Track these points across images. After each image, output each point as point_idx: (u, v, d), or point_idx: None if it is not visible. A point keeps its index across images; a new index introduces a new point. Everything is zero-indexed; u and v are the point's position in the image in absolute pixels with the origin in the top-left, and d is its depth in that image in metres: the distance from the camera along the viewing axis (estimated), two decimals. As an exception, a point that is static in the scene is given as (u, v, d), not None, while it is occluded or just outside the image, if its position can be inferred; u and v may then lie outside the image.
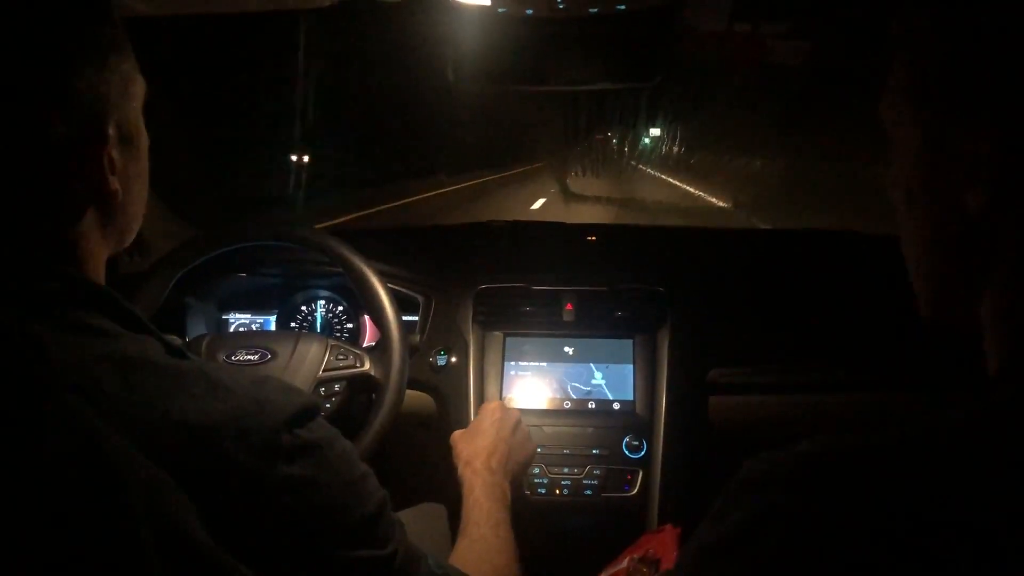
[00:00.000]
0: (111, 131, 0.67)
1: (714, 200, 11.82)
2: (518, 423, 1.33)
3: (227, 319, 1.87)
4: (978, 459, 0.45)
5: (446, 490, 1.31)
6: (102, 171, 0.67)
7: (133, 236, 0.77)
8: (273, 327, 1.85)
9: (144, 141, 0.75)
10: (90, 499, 0.53)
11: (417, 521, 1.28)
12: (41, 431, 0.53)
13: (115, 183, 0.68)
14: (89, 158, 0.66)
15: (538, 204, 11.58)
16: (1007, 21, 0.50)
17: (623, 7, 1.07)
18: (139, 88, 0.73)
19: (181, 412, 0.60)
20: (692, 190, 13.66)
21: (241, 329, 1.86)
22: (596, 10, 1.09)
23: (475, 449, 1.23)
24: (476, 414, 1.34)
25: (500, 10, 1.09)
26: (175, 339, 1.48)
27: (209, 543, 0.58)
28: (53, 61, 0.62)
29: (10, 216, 0.63)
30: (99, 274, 0.71)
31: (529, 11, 1.12)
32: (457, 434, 1.29)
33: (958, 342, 0.59)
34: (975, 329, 0.55)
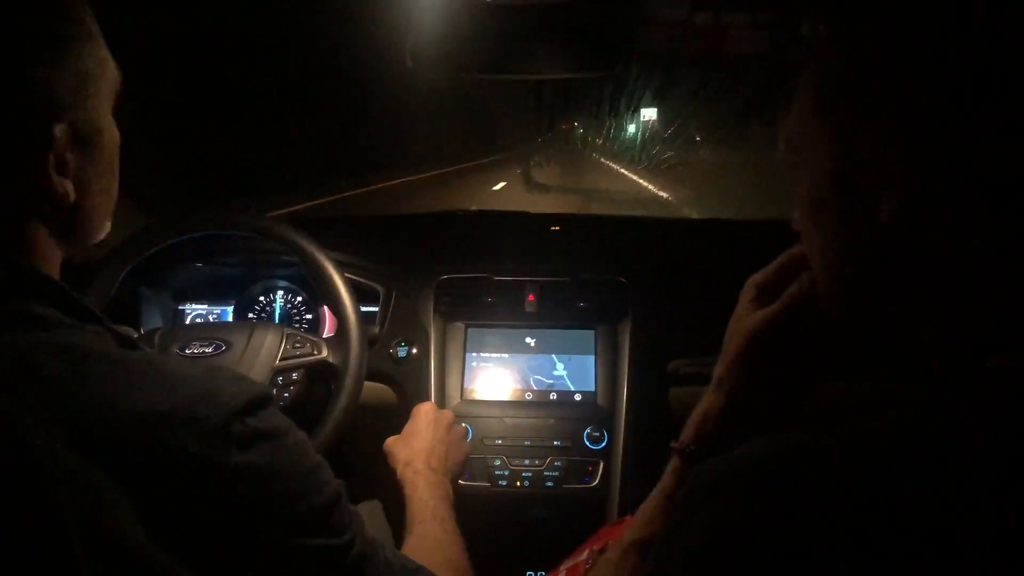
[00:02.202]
0: (59, 133, 0.65)
1: (661, 193, 11.99)
2: (452, 423, 1.33)
3: (183, 310, 1.84)
4: (921, 456, 0.45)
5: (389, 489, 1.30)
6: (48, 175, 0.65)
7: (99, 234, 0.76)
8: (231, 318, 1.82)
9: (109, 139, 0.73)
10: (15, 503, 0.52)
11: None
12: None
13: (64, 186, 0.66)
14: (33, 163, 0.64)
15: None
16: (906, 23, 0.50)
17: (584, -6, 1.06)
18: (105, 84, 0.71)
19: (129, 403, 0.58)
20: (642, 182, 13.79)
21: (198, 320, 1.83)
22: (557, -2, 1.09)
23: (413, 451, 1.22)
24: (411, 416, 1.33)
25: (462, -4, 1.07)
26: (128, 330, 1.46)
27: (145, 543, 0.56)
28: None
29: None
30: (52, 268, 0.69)
31: (490, -1, 1.11)
32: (391, 439, 1.28)
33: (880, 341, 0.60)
34: (897, 329, 0.56)
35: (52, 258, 0.69)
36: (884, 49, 0.51)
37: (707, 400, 0.79)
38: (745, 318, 0.76)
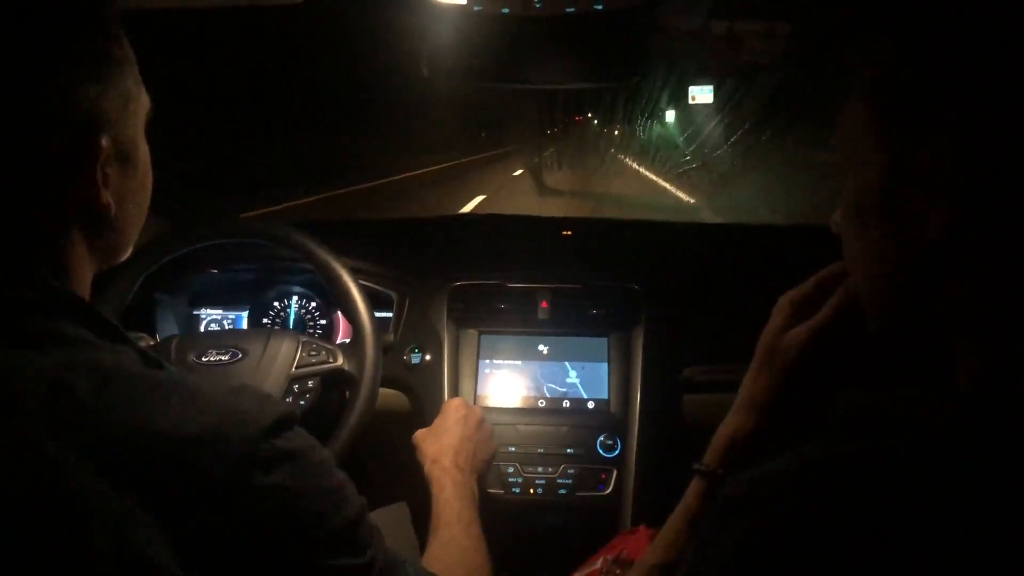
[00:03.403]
0: (105, 145, 0.67)
1: (683, 196, 11.80)
2: (481, 420, 1.33)
3: (198, 315, 1.85)
4: (954, 470, 0.45)
5: (413, 490, 1.31)
6: (94, 185, 0.67)
7: (126, 253, 0.78)
8: (245, 324, 1.83)
9: (143, 158, 0.75)
10: (47, 529, 0.52)
11: (381, 523, 1.28)
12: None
13: (107, 197, 0.68)
14: (81, 171, 0.66)
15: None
16: (967, 40, 0.50)
17: (600, 6, 1.06)
18: (140, 106, 0.74)
19: (157, 424, 0.59)
20: (665, 184, 13.62)
21: (212, 326, 1.84)
22: (573, 9, 1.09)
23: (441, 447, 1.23)
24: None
25: (476, 8, 1.07)
26: (144, 336, 1.47)
27: (173, 567, 0.57)
28: (51, 74, 0.63)
29: None
30: (83, 288, 0.71)
31: (505, 10, 1.11)
32: (420, 433, 1.29)
33: (913, 350, 0.60)
34: (936, 340, 0.55)
35: (84, 276, 0.71)
36: (947, 64, 0.50)
37: (735, 421, 0.77)
38: (783, 335, 0.74)
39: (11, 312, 0.61)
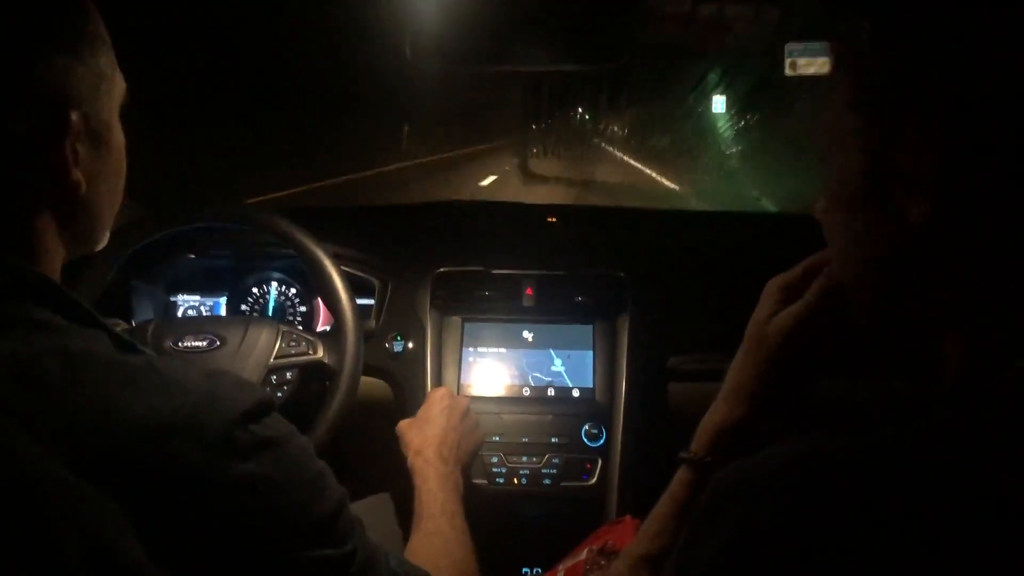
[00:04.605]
0: (75, 120, 0.65)
1: (666, 182, 11.76)
2: (466, 410, 1.31)
3: (175, 301, 1.82)
4: (945, 461, 0.45)
5: (395, 480, 1.29)
6: (64, 161, 0.65)
7: (101, 241, 0.76)
8: (223, 310, 1.80)
9: (117, 141, 0.74)
10: (12, 523, 0.50)
11: (364, 514, 1.28)
12: None
13: (77, 175, 0.67)
14: (50, 147, 0.64)
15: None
16: (949, 30, 0.50)
17: (588, -14, 1.05)
18: (115, 88, 0.72)
19: (130, 409, 0.57)
20: (649, 171, 13.57)
21: (190, 312, 1.81)
22: (560, -12, 1.07)
23: (425, 438, 1.21)
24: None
25: (463, -13, 1.06)
26: (120, 323, 1.44)
27: (145, 561, 0.55)
28: (17, 47, 0.61)
29: None
30: (53, 272, 0.68)
31: (494, -10, 1.09)
32: (405, 423, 1.27)
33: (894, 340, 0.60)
34: (919, 330, 0.55)
35: (54, 258, 0.69)
36: (927, 53, 0.50)
37: (722, 409, 0.77)
38: (769, 321, 0.73)
39: None
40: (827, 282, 0.70)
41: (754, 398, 0.74)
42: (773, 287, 0.76)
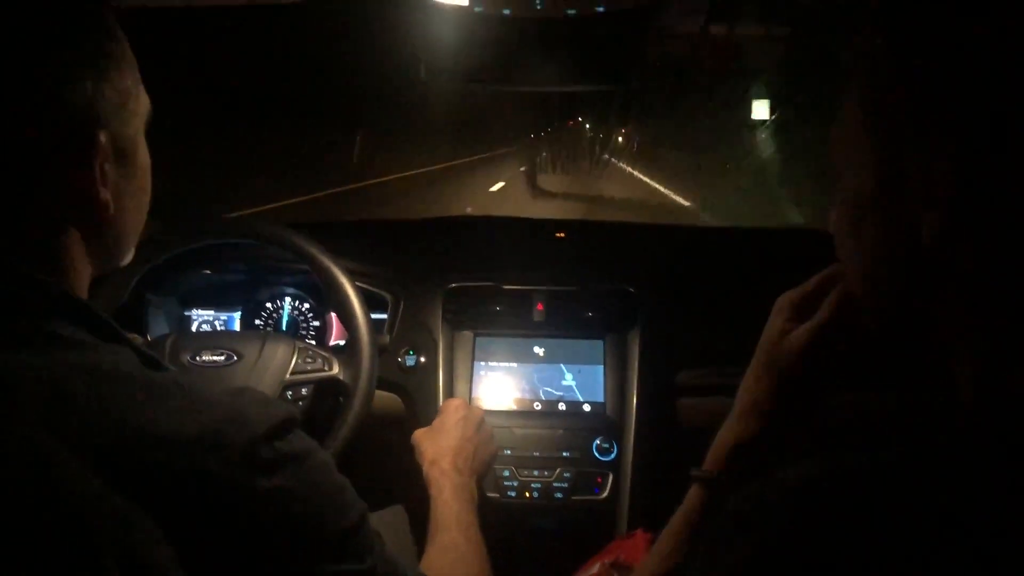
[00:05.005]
0: (104, 141, 0.66)
1: (679, 199, 11.72)
2: (481, 421, 1.31)
3: (189, 316, 1.83)
4: (966, 479, 0.45)
5: (409, 493, 1.29)
6: (93, 182, 0.66)
7: (127, 258, 0.77)
8: (237, 325, 1.82)
9: (143, 160, 0.74)
10: (52, 534, 0.51)
11: (378, 526, 1.28)
12: (2, 474, 0.51)
13: (106, 195, 0.67)
14: (79, 167, 0.65)
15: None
16: (962, 42, 0.49)
17: (602, 8, 1.06)
18: (141, 107, 0.73)
19: (156, 425, 0.58)
20: (659, 187, 13.54)
21: (204, 327, 1.82)
22: (574, 12, 1.08)
23: (440, 448, 1.21)
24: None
25: (477, 9, 1.07)
26: (136, 337, 1.45)
27: (175, 571, 0.56)
28: (46, 68, 0.62)
29: None
30: (80, 289, 0.69)
31: (506, 11, 1.10)
32: (420, 433, 1.27)
33: (909, 352, 0.59)
34: (932, 345, 0.55)
35: (81, 275, 0.69)
36: (941, 68, 0.50)
37: (736, 426, 0.76)
38: (783, 337, 0.73)
39: (6, 312, 0.60)
40: (841, 296, 0.69)
41: (768, 415, 0.74)
42: (784, 303, 0.75)
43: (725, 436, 0.77)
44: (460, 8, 1.09)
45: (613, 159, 17.87)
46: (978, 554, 0.42)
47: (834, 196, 0.61)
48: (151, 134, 0.76)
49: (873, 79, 0.55)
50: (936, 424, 0.49)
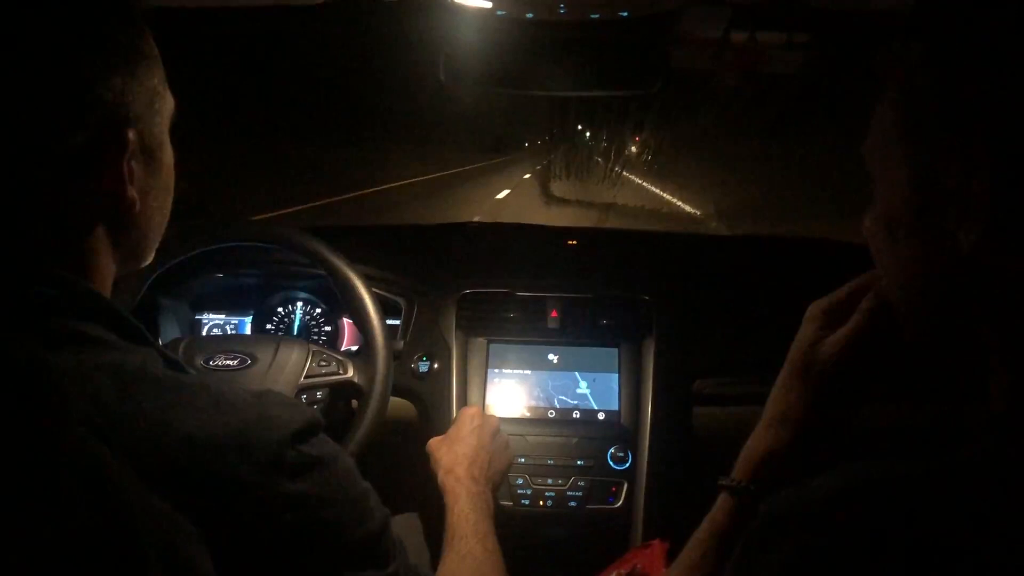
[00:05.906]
0: (132, 139, 0.66)
1: (688, 208, 11.75)
2: (497, 429, 1.31)
3: (200, 319, 1.82)
4: (1002, 489, 0.45)
5: (422, 500, 1.28)
6: (121, 179, 0.66)
7: (148, 257, 0.77)
8: (248, 329, 1.81)
9: (167, 158, 0.74)
10: (107, 547, 0.50)
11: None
12: (57, 476, 0.50)
13: (133, 192, 0.67)
14: (107, 165, 0.65)
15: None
16: (999, 54, 0.49)
17: (625, 13, 1.05)
18: (167, 106, 0.73)
19: (183, 427, 0.58)
20: (670, 197, 13.55)
21: (215, 330, 1.82)
22: (597, 15, 1.07)
23: (456, 456, 1.20)
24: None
25: (499, 13, 1.06)
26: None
27: (211, 572, 0.56)
28: (77, 65, 0.62)
29: (17, 219, 0.62)
30: (105, 288, 0.69)
31: (530, 15, 1.09)
32: (435, 441, 1.26)
33: (944, 361, 0.60)
34: (968, 355, 0.55)
35: (106, 275, 0.69)
36: (979, 76, 0.49)
37: (767, 436, 0.75)
38: (815, 346, 0.72)
39: (34, 311, 0.60)
40: (876, 303, 0.68)
41: (799, 424, 0.73)
42: (817, 311, 0.74)
43: (755, 445, 0.76)
44: (483, 11, 1.08)
45: (625, 172, 17.73)
46: (1014, 563, 0.42)
47: (872, 207, 0.60)
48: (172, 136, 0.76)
49: (910, 88, 0.54)
50: (970, 434, 0.48)
